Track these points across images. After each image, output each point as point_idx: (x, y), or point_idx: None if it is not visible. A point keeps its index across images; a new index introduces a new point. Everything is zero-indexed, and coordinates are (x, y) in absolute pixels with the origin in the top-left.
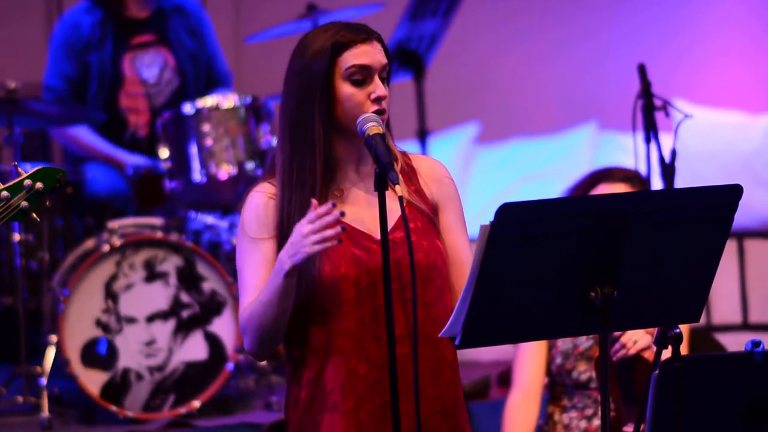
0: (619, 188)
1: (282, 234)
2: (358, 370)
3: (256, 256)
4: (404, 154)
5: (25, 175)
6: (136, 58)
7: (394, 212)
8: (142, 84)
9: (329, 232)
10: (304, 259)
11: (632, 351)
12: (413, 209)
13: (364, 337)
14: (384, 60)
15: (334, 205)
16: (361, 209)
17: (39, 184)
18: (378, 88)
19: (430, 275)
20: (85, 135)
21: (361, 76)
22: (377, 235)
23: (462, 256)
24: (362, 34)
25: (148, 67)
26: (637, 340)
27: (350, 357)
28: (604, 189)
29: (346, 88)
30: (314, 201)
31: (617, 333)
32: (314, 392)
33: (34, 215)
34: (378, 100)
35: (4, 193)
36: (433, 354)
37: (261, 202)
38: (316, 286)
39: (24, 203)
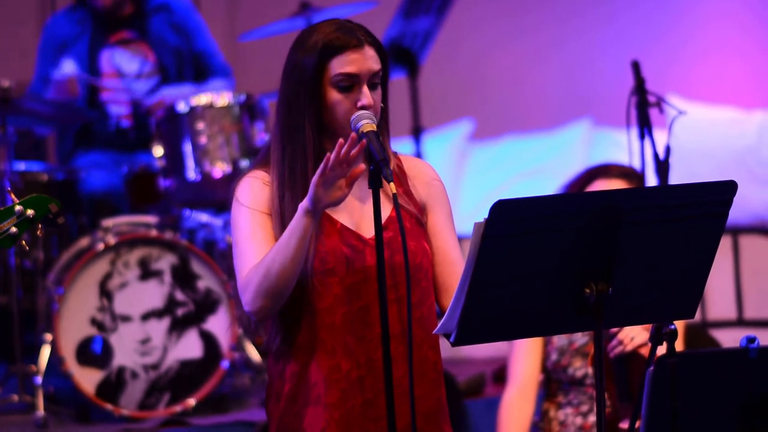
0: (616, 184)
1: (276, 224)
2: (341, 366)
3: (255, 226)
4: (395, 155)
5: (17, 201)
6: (115, 53)
7: (384, 212)
8: (121, 77)
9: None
10: (323, 199)
11: (629, 347)
12: (402, 210)
13: (348, 335)
14: (375, 66)
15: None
16: (351, 208)
17: (30, 212)
18: (364, 97)
19: (415, 276)
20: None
21: (348, 83)
22: (366, 235)
23: (451, 255)
24: (354, 39)
25: (128, 62)
26: (634, 336)
27: (334, 352)
28: (600, 185)
29: (333, 95)
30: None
31: (614, 329)
32: (298, 386)
33: (24, 243)
34: (363, 108)
35: None
36: (416, 354)
37: (257, 185)
38: (306, 278)
39: (13, 229)
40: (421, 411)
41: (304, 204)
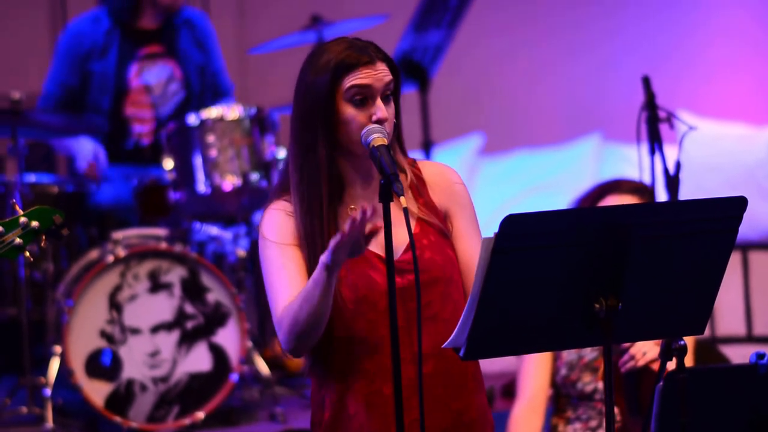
0: (627, 200)
1: (306, 253)
2: (383, 390)
3: (284, 259)
4: (413, 162)
5: (22, 213)
6: (144, 68)
7: (403, 231)
8: (148, 93)
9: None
10: (336, 261)
11: (641, 362)
12: (424, 224)
13: (386, 359)
14: (387, 78)
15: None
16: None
17: (35, 223)
18: (379, 110)
19: (447, 290)
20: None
21: (362, 96)
22: (393, 257)
23: (473, 260)
24: (365, 56)
25: (156, 78)
26: (646, 351)
27: (374, 378)
28: (611, 200)
29: (347, 110)
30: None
31: (626, 344)
32: (338, 415)
33: (28, 254)
34: (379, 122)
35: None
36: (455, 368)
37: (281, 217)
38: (340, 309)
39: (18, 240)
40: (464, 422)
41: (324, 260)
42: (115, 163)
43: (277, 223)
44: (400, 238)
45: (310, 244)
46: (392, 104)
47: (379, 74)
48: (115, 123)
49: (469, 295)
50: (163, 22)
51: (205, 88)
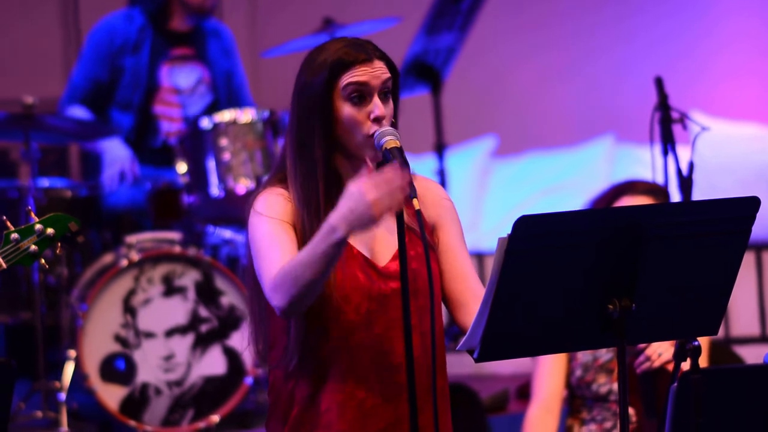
0: (642, 201)
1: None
2: (355, 394)
3: (278, 233)
4: None
5: (37, 220)
6: (174, 68)
7: (393, 238)
8: (178, 93)
9: (398, 194)
10: (369, 224)
11: (657, 363)
12: (412, 235)
13: (362, 363)
14: (384, 76)
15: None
16: (364, 234)
17: (50, 230)
18: (376, 107)
19: (428, 303)
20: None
21: (360, 94)
22: (380, 263)
23: (464, 270)
24: (362, 54)
25: (186, 78)
26: (661, 352)
27: (347, 380)
28: (626, 202)
29: (345, 108)
30: (370, 165)
31: (642, 345)
32: (307, 410)
33: (43, 261)
34: (377, 120)
35: (15, 235)
36: (426, 382)
37: (278, 199)
38: (323, 309)
39: (33, 247)
40: None
41: (339, 232)
42: (142, 163)
43: (272, 202)
44: (389, 245)
45: (307, 235)
46: (391, 103)
47: (376, 72)
48: (144, 120)
49: (455, 305)
50: (193, 25)
51: (231, 96)
